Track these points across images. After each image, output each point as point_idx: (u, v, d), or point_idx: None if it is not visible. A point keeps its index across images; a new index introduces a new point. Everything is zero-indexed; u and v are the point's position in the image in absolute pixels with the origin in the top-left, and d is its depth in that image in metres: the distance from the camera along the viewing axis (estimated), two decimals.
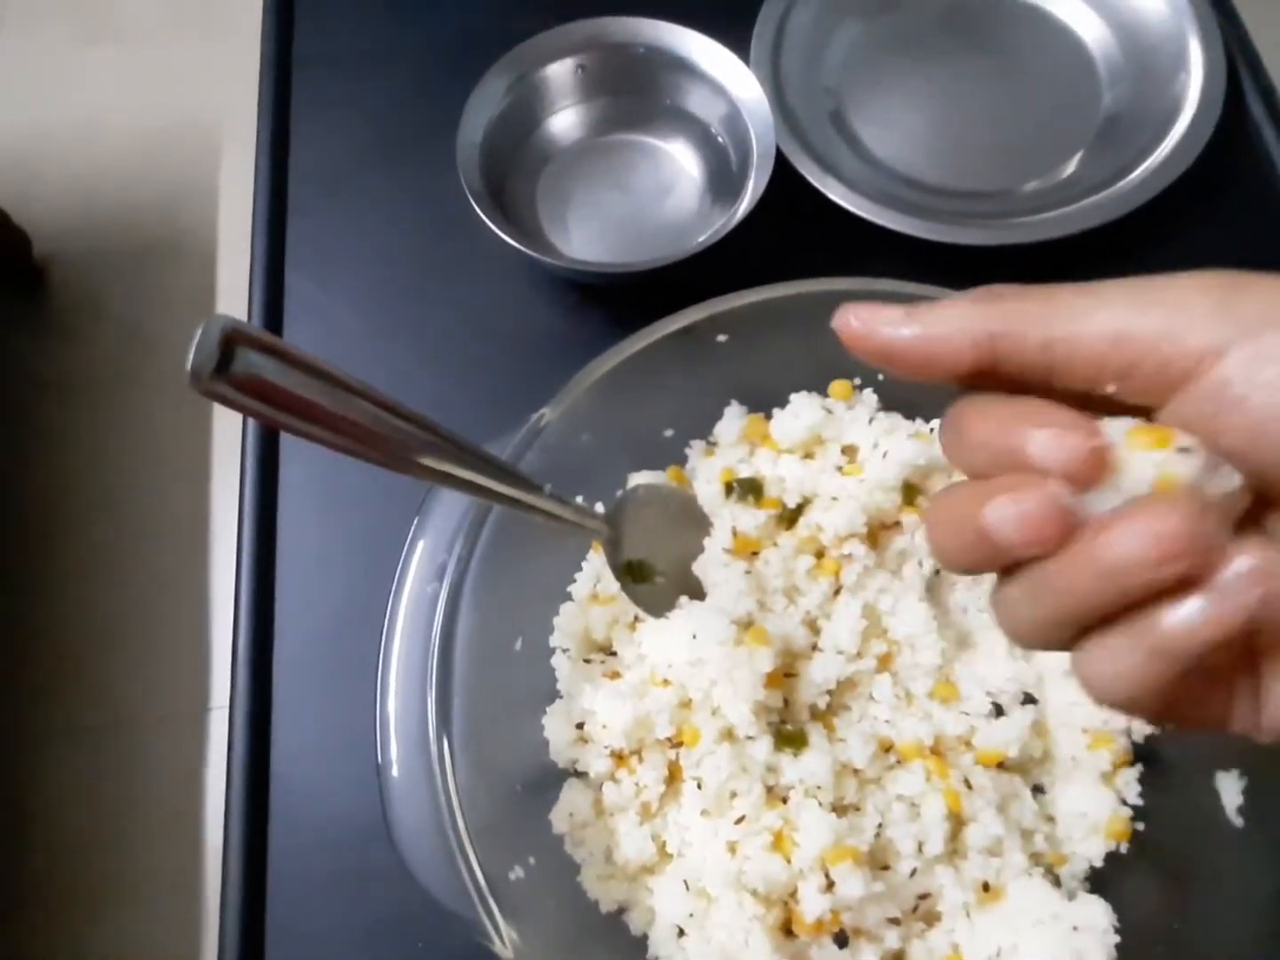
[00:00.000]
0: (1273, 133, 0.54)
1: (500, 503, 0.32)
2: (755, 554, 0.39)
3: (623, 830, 0.36)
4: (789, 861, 0.34)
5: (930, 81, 0.55)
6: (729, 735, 0.36)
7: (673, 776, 0.37)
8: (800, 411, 0.41)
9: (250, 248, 0.53)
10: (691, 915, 0.35)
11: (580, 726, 0.38)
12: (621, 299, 0.51)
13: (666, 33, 0.51)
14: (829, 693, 0.37)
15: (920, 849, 0.35)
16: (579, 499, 0.39)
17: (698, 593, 0.38)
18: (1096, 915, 0.34)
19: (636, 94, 0.52)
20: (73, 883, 1.01)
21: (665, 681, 0.37)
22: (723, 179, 0.51)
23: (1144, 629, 0.18)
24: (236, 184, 1.33)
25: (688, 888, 0.35)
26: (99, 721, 1.08)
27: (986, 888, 0.35)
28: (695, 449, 0.43)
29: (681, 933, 0.35)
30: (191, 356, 0.22)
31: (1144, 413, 0.20)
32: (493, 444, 0.36)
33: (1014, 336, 0.20)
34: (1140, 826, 0.37)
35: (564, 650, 0.40)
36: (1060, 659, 0.38)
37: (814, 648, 0.38)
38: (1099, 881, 0.37)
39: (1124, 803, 0.37)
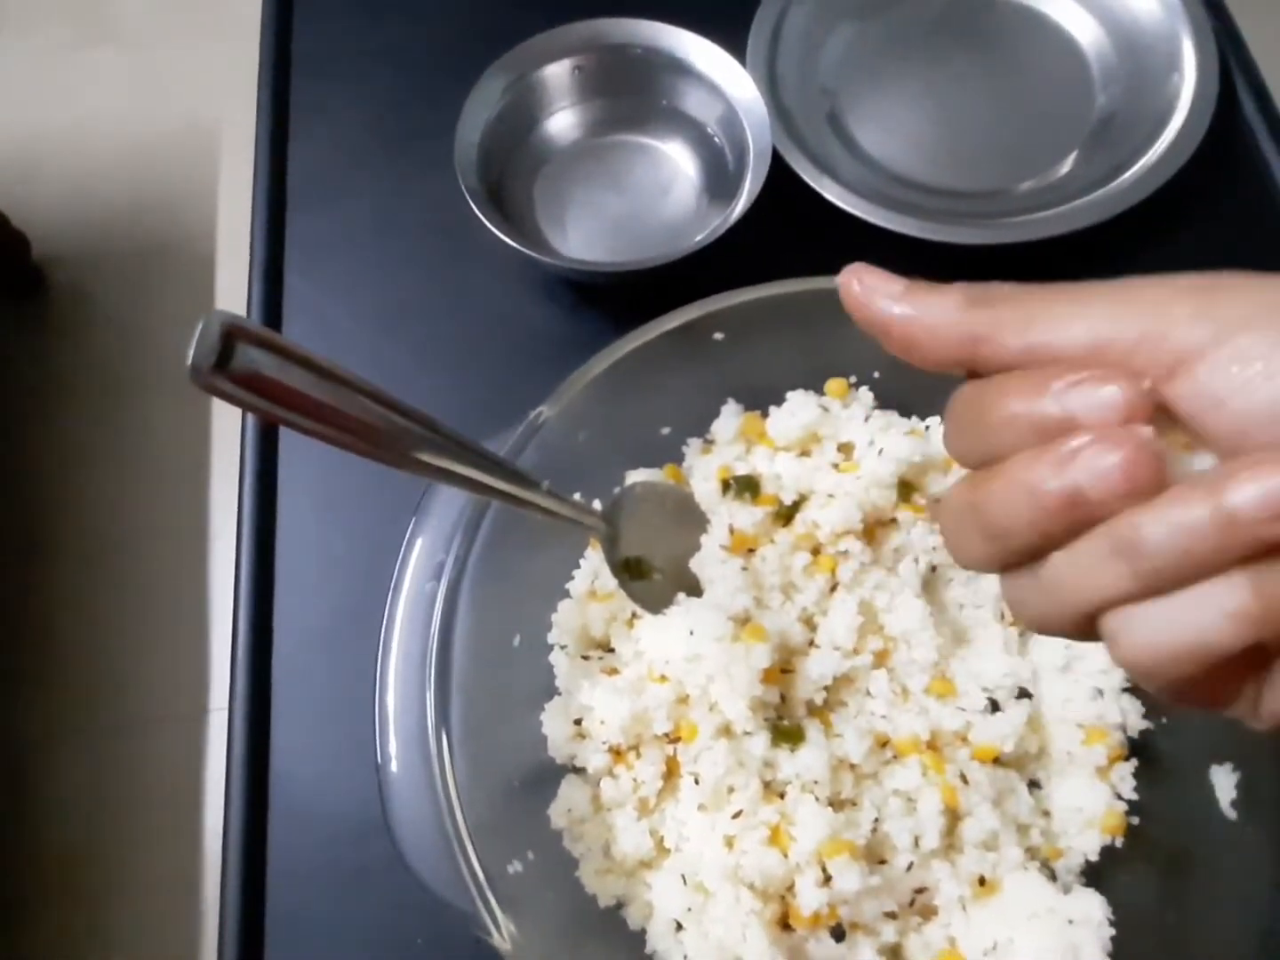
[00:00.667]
0: (1265, 132, 0.54)
1: (498, 499, 0.32)
2: (752, 551, 0.39)
3: (621, 825, 0.36)
4: (786, 856, 0.34)
5: (925, 82, 0.56)
6: (726, 731, 0.36)
7: (670, 772, 0.37)
8: (796, 409, 0.41)
9: (249, 248, 0.54)
10: (689, 909, 0.35)
11: (578, 722, 0.38)
12: (619, 298, 0.51)
13: (663, 34, 0.51)
14: (826, 688, 0.37)
15: (917, 843, 0.35)
16: (577, 496, 0.39)
17: (695, 589, 0.38)
18: (1092, 909, 0.34)
19: (633, 94, 0.53)
20: (73, 882, 1.01)
21: (663, 678, 0.37)
22: (719, 179, 0.51)
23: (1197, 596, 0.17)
24: (235, 185, 1.34)
25: (685, 882, 0.35)
26: (99, 723, 1.08)
27: (983, 881, 0.36)
28: (692, 447, 0.43)
29: (679, 927, 0.35)
30: (192, 351, 0.22)
31: None
32: (491, 441, 0.36)
33: (995, 341, 0.20)
34: (1135, 820, 0.37)
35: (562, 647, 0.40)
36: (1055, 654, 0.39)
37: (811, 644, 0.38)
38: (1094, 875, 0.37)
39: (1119, 797, 0.37)
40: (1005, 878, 0.36)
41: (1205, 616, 0.18)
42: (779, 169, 0.49)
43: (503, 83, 0.51)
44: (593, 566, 0.41)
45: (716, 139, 0.52)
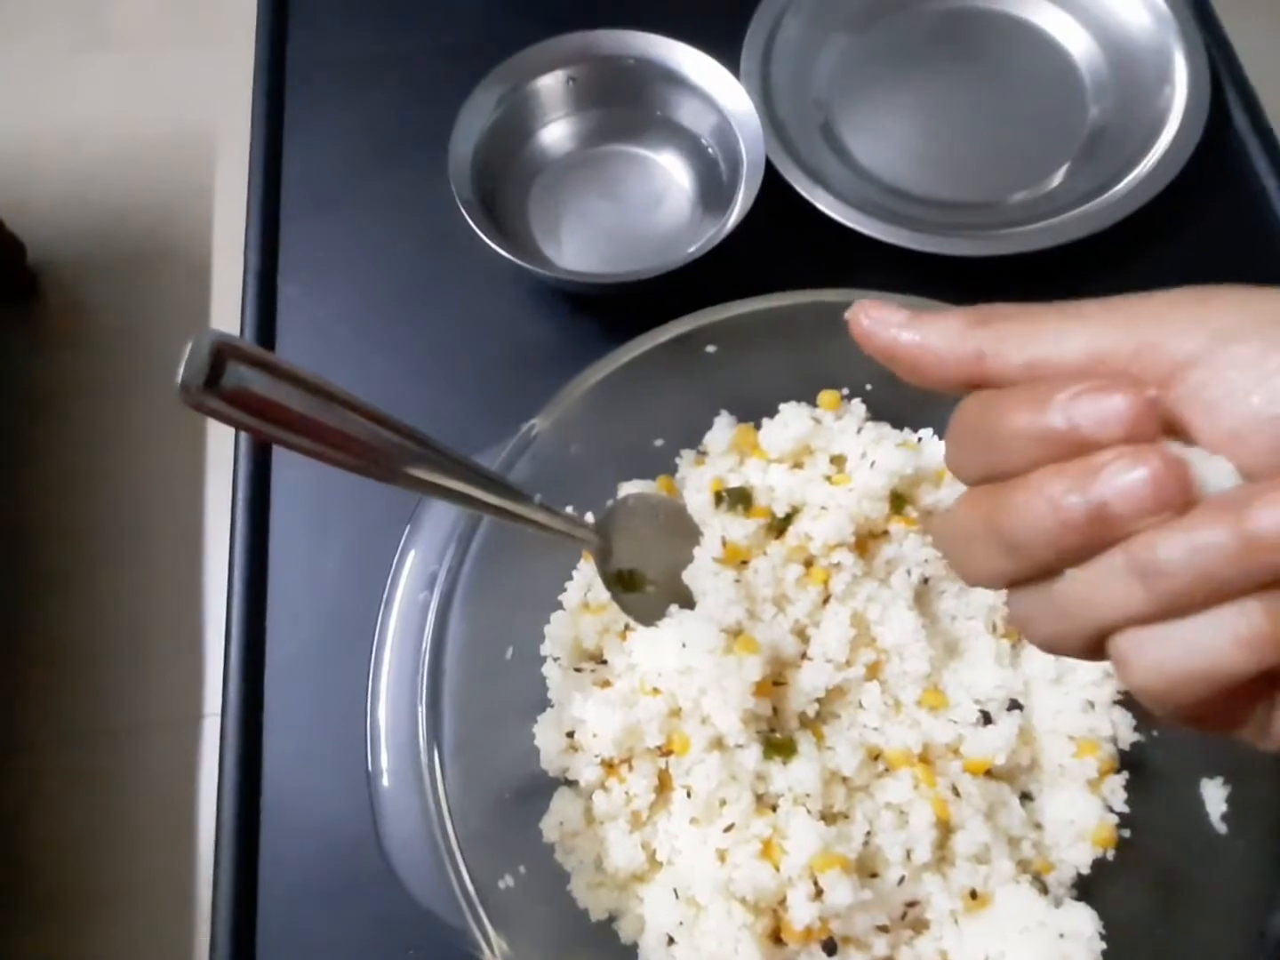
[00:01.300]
0: (1256, 143, 0.54)
1: (490, 513, 0.32)
2: (745, 563, 0.39)
3: (613, 839, 0.36)
4: (778, 869, 0.34)
5: (918, 94, 0.56)
6: (718, 744, 0.36)
7: (663, 785, 0.37)
8: (789, 421, 0.41)
9: (244, 256, 0.54)
10: (681, 923, 0.35)
11: (571, 735, 0.38)
12: (612, 309, 0.51)
13: (657, 45, 0.51)
14: (818, 701, 0.37)
15: (908, 856, 0.35)
16: (569, 509, 0.39)
17: (688, 602, 0.38)
18: (1083, 922, 0.34)
19: (627, 106, 0.53)
20: (64, 889, 1.01)
21: (655, 690, 0.37)
22: (713, 190, 0.51)
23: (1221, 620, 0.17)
24: (230, 192, 1.33)
25: (677, 896, 0.35)
26: (91, 728, 1.08)
27: (974, 895, 0.36)
28: (685, 459, 0.43)
29: (671, 941, 0.35)
30: (181, 370, 0.22)
31: None
32: (483, 454, 0.36)
33: (998, 357, 0.21)
34: (1126, 833, 0.37)
35: (555, 659, 0.40)
36: (1046, 666, 0.39)
37: (803, 656, 0.38)
38: (1085, 888, 0.37)
39: (1110, 810, 0.37)
40: (997, 891, 0.36)
41: (1218, 641, 0.17)
42: (772, 180, 0.49)
43: (497, 94, 0.51)
44: (585, 579, 0.41)
45: (710, 150, 0.52)
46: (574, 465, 0.40)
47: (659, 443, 0.43)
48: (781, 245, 0.51)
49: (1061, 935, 0.34)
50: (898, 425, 0.42)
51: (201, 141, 1.36)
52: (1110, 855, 0.37)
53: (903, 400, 0.41)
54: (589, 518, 0.40)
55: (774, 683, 0.37)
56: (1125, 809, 0.37)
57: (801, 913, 0.33)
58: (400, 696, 0.35)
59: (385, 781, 0.34)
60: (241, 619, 0.45)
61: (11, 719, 1.07)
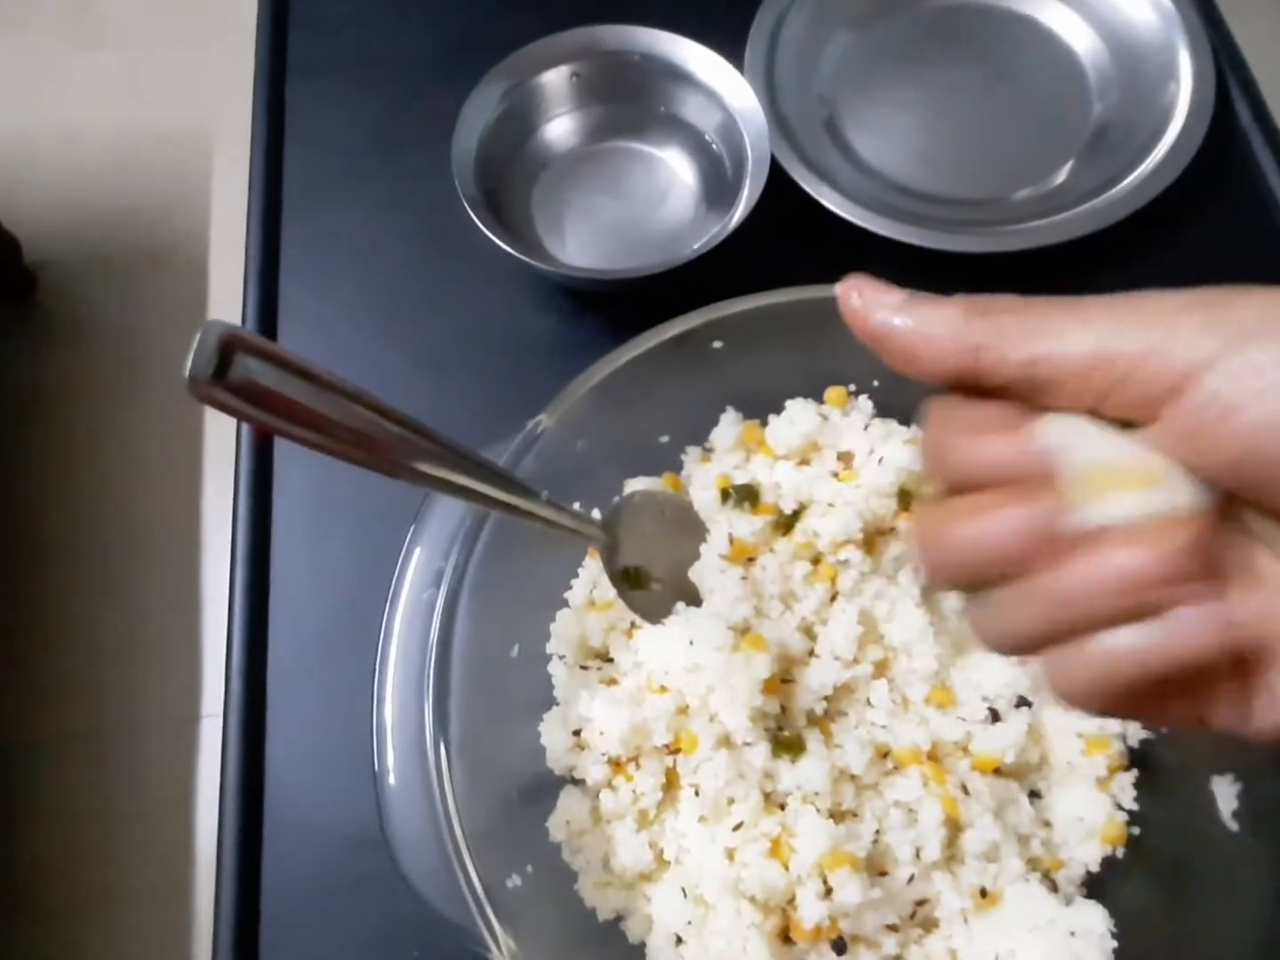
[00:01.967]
0: (1261, 140, 0.54)
1: (497, 509, 0.31)
2: (752, 560, 0.39)
3: (620, 837, 0.36)
4: (787, 868, 0.34)
5: (923, 90, 0.56)
6: (726, 742, 0.36)
7: (670, 783, 0.37)
8: (796, 418, 0.41)
9: (244, 254, 0.53)
10: (689, 923, 0.35)
11: (577, 733, 0.37)
12: (617, 305, 0.51)
13: (661, 41, 0.51)
14: (826, 699, 0.37)
15: (918, 855, 0.35)
16: (576, 505, 0.39)
17: (694, 599, 0.38)
18: (1093, 920, 0.34)
19: (631, 101, 0.53)
20: (64, 891, 1.00)
21: (662, 688, 0.37)
22: (717, 186, 0.51)
23: (1100, 648, 0.19)
24: (228, 190, 1.33)
25: (685, 895, 0.35)
26: (91, 729, 1.07)
27: (984, 893, 0.35)
28: (691, 455, 0.43)
29: (679, 940, 0.35)
30: (190, 362, 0.22)
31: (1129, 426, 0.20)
32: (489, 450, 0.36)
33: (996, 352, 0.20)
34: (1136, 831, 0.37)
35: (561, 657, 0.40)
36: None
37: (811, 654, 0.38)
38: (1095, 886, 0.37)
39: (1120, 807, 0.37)
40: (1006, 889, 0.35)
41: (1114, 654, 0.19)
42: (777, 176, 0.49)
43: (500, 89, 0.50)
44: (591, 576, 0.41)
45: (715, 146, 0.52)
46: (580, 462, 0.39)
47: (665, 439, 0.43)
48: (786, 242, 0.50)
49: (1072, 933, 0.34)
50: (905, 421, 0.42)
51: (199, 140, 1.36)
52: (1120, 853, 0.37)
53: (910, 396, 0.40)
54: (595, 514, 0.39)
55: (782, 680, 0.37)
56: (1135, 806, 0.37)
57: (811, 911, 0.33)
58: (406, 695, 0.35)
59: (391, 780, 0.34)
60: (244, 617, 0.45)
61: (9, 720, 1.07)
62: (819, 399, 0.42)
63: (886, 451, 0.39)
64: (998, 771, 0.37)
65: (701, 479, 0.42)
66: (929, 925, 0.36)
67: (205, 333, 0.22)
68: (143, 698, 1.09)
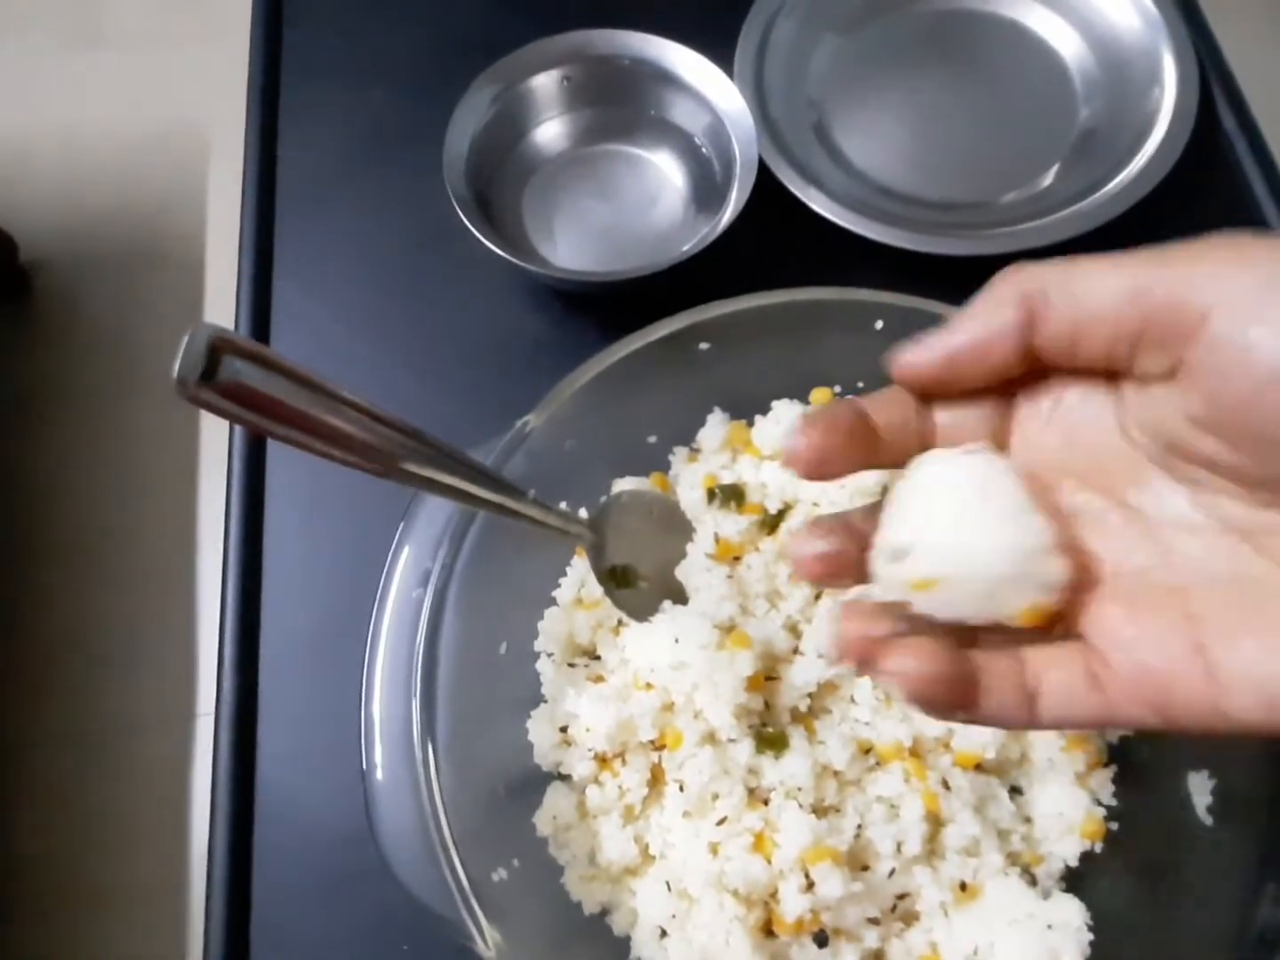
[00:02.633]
0: (1244, 144, 0.55)
1: (485, 509, 0.32)
2: (737, 559, 0.40)
3: (606, 832, 0.37)
4: (769, 862, 0.34)
5: (910, 94, 0.56)
6: (711, 738, 0.36)
7: (655, 779, 0.37)
8: (782, 418, 0.42)
9: (238, 253, 0.54)
10: (673, 916, 0.35)
11: (564, 730, 0.38)
12: (606, 307, 0.51)
13: (651, 45, 0.51)
14: (810, 695, 0.38)
15: (899, 849, 0.35)
16: (563, 505, 0.39)
17: (680, 597, 0.39)
18: (1071, 913, 0.34)
19: (621, 105, 0.53)
20: (57, 889, 1.00)
21: (648, 685, 0.37)
22: (706, 189, 0.52)
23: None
24: (223, 190, 1.33)
25: (670, 889, 0.35)
26: (84, 727, 1.07)
27: (964, 887, 0.36)
28: (678, 455, 0.44)
29: (664, 933, 0.36)
30: (178, 364, 0.22)
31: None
32: (477, 450, 0.36)
33: (1043, 295, 0.22)
34: (1114, 826, 0.37)
35: (548, 654, 0.40)
36: None
37: (795, 651, 0.39)
38: (1074, 880, 0.37)
39: (1098, 803, 0.38)
40: (986, 883, 0.36)
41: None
42: (765, 179, 0.49)
43: (492, 92, 0.51)
44: (579, 574, 0.41)
45: (704, 149, 0.52)
46: (568, 461, 0.40)
47: (652, 439, 0.43)
48: (774, 244, 0.51)
49: (1050, 926, 0.34)
50: None
51: (194, 140, 1.36)
52: (1098, 848, 0.37)
53: None
54: (583, 513, 0.40)
55: (766, 677, 0.37)
56: (1113, 802, 0.38)
57: (793, 905, 0.34)
58: (395, 692, 0.36)
59: (380, 776, 0.34)
60: (236, 615, 0.45)
61: (3, 718, 1.07)
62: (805, 400, 0.43)
63: None
64: (979, 767, 0.38)
65: (688, 479, 0.42)
66: (910, 918, 0.36)
67: (193, 335, 0.22)
68: (137, 696, 1.09)
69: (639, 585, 0.39)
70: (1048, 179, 0.54)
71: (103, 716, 1.08)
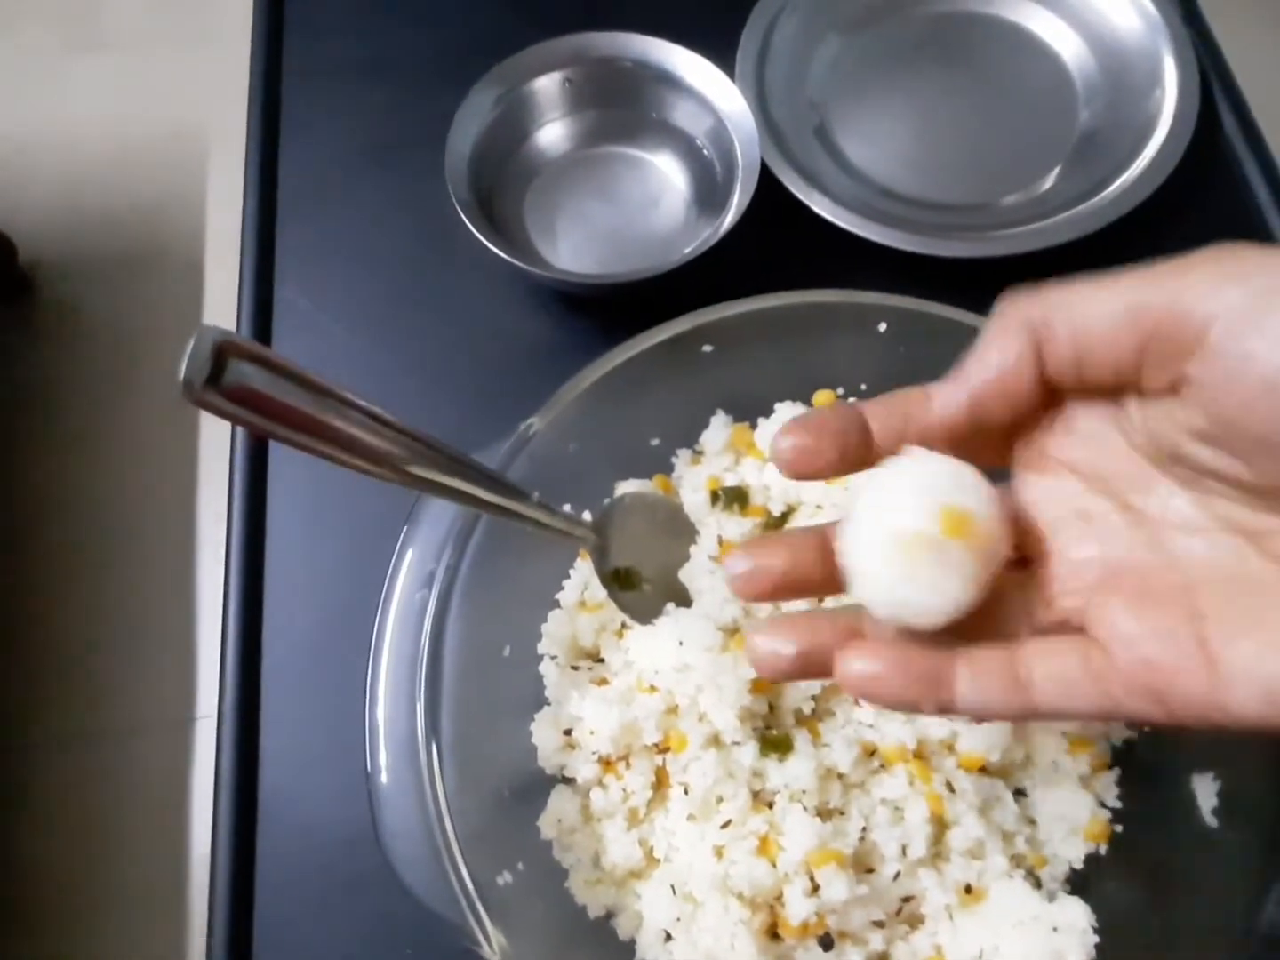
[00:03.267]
0: (1245, 147, 0.55)
1: (488, 511, 0.32)
2: None
3: (610, 835, 0.37)
4: (774, 865, 0.34)
5: (912, 96, 0.56)
6: (715, 741, 0.36)
7: (660, 782, 0.37)
8: (785, 420, 0.42)
9: (239, 256, 0.54)
10: (678, 919, 0.35)
11: (568, 733, 0.38)
12: (608, 309, 0.51)
13: (653, 47, 0.51)
14: (814, 698, 0.37)
15: (904, 852, 0.35)
16: (567, 507, 0.39)
17: (684, 600, 0.39)
18: (1076, 916, 0.34)
19: (623, 107, 0.53)
20: (57, 892, 1.00)
21: (652, 688, 0.37)
22: (708, 191, 0.52)
23: None
24: (223, 193, 1.33)
25: (674, 892, 0.35)
26: (85, 729, 1.07)
27: (969, 890, 0.36)
28: (681, 458, 0.44)
29: (668, 937, 0.35)
30: (184, 367, 0.22)
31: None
32: (481, 453, 0.36)
33: (1046, 327, 0.22)
34: (1119, 828, 0.37)
35: (552, 657, 0.40)
36: None
37: None
38: (1079, 883, 0.37)
39: (1103, 805, 0.38)
40: (991, 886, 0.36)
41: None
42: (767, 182, 0.49)
43: (494, 95, 0.51)
44: (582, 577, 0.41)
45: (705, 151, 0.52)
46: (571, 464, 0.40)
47: (655, 442, 0.43)
48: (776, 246, 0.51)
49: (1055, 929, 0.34)
50: None
51: (194, 142, 1.36)
52: (1103, 850, 0.37)
53: None
54: (586, 516, 0.40)
55: (770, 680, 0.37)
56: (1118, 804, 0.38)
57: (798, 908, 0.34)
58: (398, 695, 0.35)
59: (384, 779, 0.34)
60: (238, 618, 0.45)
61: (3, 721, 1.07)
62: (808, 402, 0.43)
63: None
64: (983, 770, 0.38)
65: (691, 481, 0.42)
66: (914, 921, 0.36)
67: (199, 338, 0.22)
68: (137, 699, 1.09)
69: (642, 588, 0.39)
70: (1049, 181, 0.54)
71: (103, 718, 1.08)
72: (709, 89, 0.51)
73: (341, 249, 0.54)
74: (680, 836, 0.36)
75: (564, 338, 0.51)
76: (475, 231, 0.47)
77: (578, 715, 0.37)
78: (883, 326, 0.40)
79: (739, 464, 0.43)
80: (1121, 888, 0.36)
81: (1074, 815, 0.37)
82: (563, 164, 0.54)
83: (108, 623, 1.12)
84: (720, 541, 0.39)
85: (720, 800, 0.36)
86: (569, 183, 0.53)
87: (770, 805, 0.36)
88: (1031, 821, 0.38)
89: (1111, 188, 0.51)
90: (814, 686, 0.37)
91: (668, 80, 0.52)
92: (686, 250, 0.47)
